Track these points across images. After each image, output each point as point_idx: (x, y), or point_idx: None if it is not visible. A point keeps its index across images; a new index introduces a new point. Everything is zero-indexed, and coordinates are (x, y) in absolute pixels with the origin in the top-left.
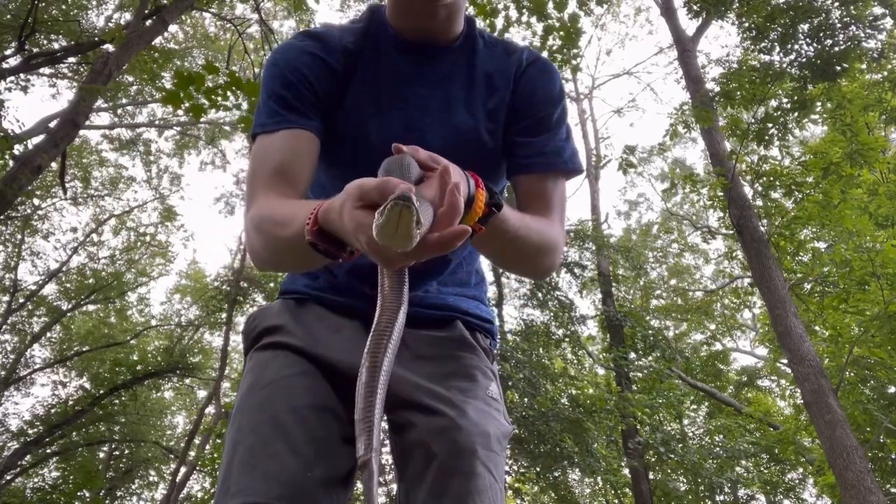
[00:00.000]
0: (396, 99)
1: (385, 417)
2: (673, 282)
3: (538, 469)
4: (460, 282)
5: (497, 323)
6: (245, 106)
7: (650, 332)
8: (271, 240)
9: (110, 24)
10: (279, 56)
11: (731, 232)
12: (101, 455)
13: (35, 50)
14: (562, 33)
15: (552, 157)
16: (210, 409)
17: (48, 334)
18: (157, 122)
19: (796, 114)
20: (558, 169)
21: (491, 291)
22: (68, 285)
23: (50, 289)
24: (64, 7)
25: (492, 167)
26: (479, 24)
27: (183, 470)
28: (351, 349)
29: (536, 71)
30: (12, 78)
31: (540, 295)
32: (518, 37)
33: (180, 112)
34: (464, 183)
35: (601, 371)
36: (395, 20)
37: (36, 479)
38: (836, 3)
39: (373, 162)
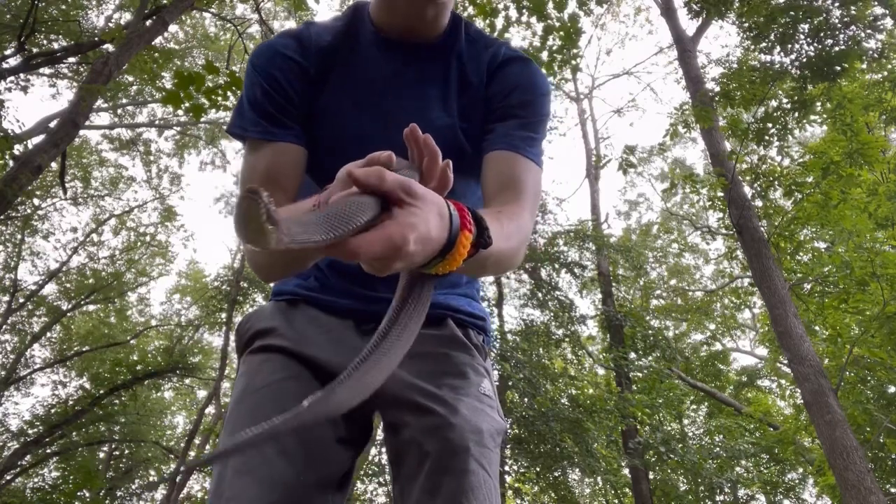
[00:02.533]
0: (374, 97)
1: (380, 417)
2: (673, 282)
3: (538, 469)
4: (450, 283)
5: (489, 319)
6: None
7: (650, 332)
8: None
9: (110, 24)
10: (256, 60)
11: (731, 232)
12: (101, 455)
13: (35, 50)
14: (561, 33)
15: (518, 141)
16: (210, 409)
17: (48, 334)
18: (157, 122)
19: (796, 114)
20: (522, 153)
21: (491, 291)
22: (68, 285)
23: (50, 289)
24: (64, 7)
25: (468, 169)
26: (479, 24)
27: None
28: (342, 350)
29: (516, 66)
30: (12, 78)
31: (540, 295)
32: (518, 37)
33: (180, 112)
34: (437, 218)
35: (601, 371)
36: (378, 17)
37: (36, 479)
38: (837, 4)
39: (349, 160)
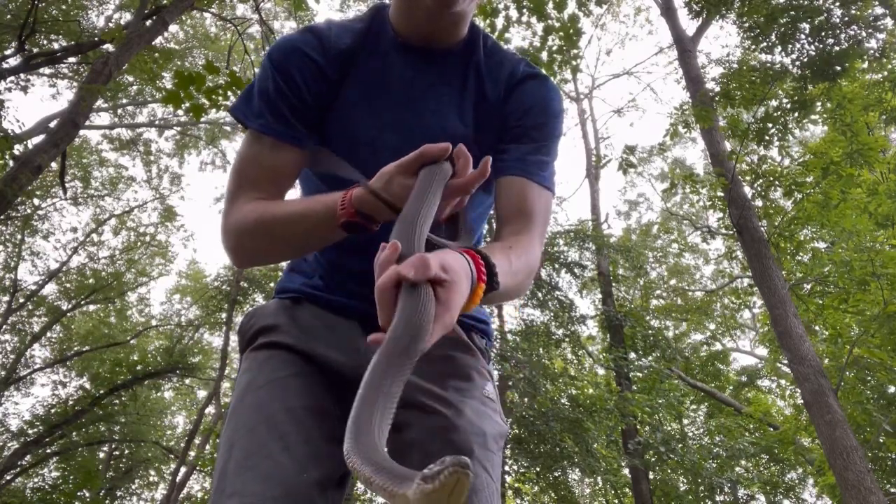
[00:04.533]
0: (389, 100)
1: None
2: (673, 282)
3: (538, 469)
4: None
5: (492, 323)
6: None
7: (650, 332)
8: (274, 238)
9: (110, 24)
10: (275, 55)
11: (731, 232)
12: (101, 455)
13: (35, 50)
14: (561, 34)
15: (532, 167)
16: (210, 409)
17: (48, 334)
18: (157, 122)
19: (796, 114)
20: (534, 179)
21: None
22: (68, 285)
23: (50, 289)
24: (64, 7)
25: None
26: (480, 23)
27: (183, 470)
28: (347, 348)
29: (533, 85)
30: (12, 78)
31: (540, 295)
32: (518, 37)
33: (180, 112)
34: (463, 294)
35: (601, 371)
36: (397, 22)
37: (36, 479)
38: (837, 3)
39: (361, 162)
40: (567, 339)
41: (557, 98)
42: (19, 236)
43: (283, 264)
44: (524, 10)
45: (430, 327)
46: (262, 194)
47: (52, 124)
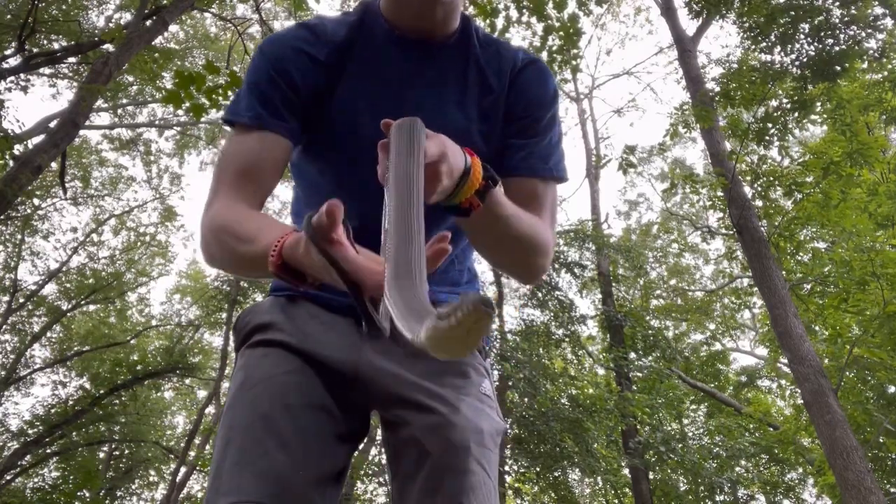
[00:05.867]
0: (388, 95)
1: (378, 415)
2: (673, 282)
3: (538, 469)
4: (452, 281)
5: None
6: None
7: (650, 332)
8: (229, 251)
9: (110, 24)
10: (267, 48)
11: (731, 232)
12: (101, 455)
13: (35, 50)
14: (561, 34)
15: (538, 162)
16: (210, 409)
17: (48, 334)
18: (157, 122)
19: (796, 114)
20: (542, 174)
21: (491, 291)
22: (68, 285)
23: (50, 289)
24: (64, 7)
25: None
26: (479, 23)
27: (183, 470)
28: (343, 346)
29: (532, 72)
30: (12, 78)
31: (540, 295)
32: (518, 37)
33: (180, 112)
34: (459, 156)
35: (601, 371)
36: (389, 14)
37: (36, 479)
38: (837, 3)
39: (363, 157)
40: (567, 339)
41: (553, 80)
42: (19, 236)
43: None
44: (524, 10)
45: (423, 133)
46: (242, 193)
47: (52, 124)
